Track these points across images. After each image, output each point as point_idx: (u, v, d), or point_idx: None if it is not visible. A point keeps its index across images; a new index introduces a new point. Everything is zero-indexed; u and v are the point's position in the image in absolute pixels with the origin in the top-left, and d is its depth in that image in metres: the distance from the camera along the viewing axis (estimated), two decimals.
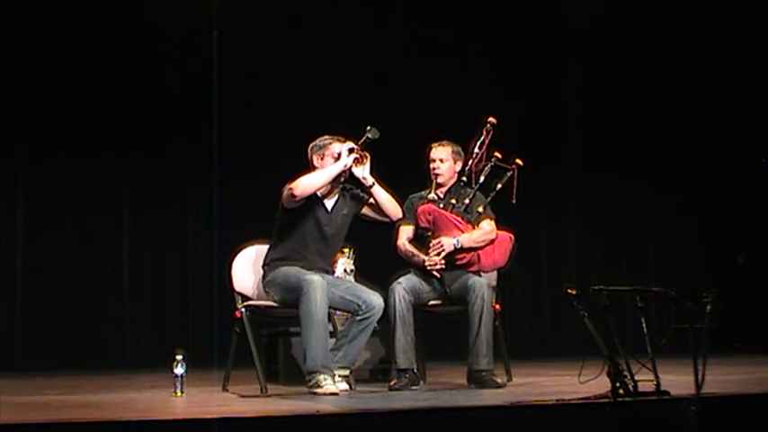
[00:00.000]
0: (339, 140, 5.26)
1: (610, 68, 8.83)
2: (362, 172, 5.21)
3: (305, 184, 5.12)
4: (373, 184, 5.24)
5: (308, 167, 5.25)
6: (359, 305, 5.15)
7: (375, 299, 5.17)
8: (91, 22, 7.75)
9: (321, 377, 4.91)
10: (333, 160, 5.21)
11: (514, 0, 8.53)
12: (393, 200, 5.32)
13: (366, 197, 5.32)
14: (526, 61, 8.68)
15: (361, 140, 5.21)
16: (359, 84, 8.15)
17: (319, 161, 5.26)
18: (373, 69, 8.23)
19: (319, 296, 4.96)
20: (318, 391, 4.87)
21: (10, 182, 7.88)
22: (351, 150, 5.18)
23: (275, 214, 5.30)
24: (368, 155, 5.21)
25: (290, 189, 5.11)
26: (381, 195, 5.27)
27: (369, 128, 5.24)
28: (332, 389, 4.88)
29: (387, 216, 5.33)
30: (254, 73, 8.05)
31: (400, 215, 5.36)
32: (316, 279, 5.02)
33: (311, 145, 5.31)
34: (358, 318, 5.15)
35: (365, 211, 5.37)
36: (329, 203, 5.30)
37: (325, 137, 5.30)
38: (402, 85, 8.26)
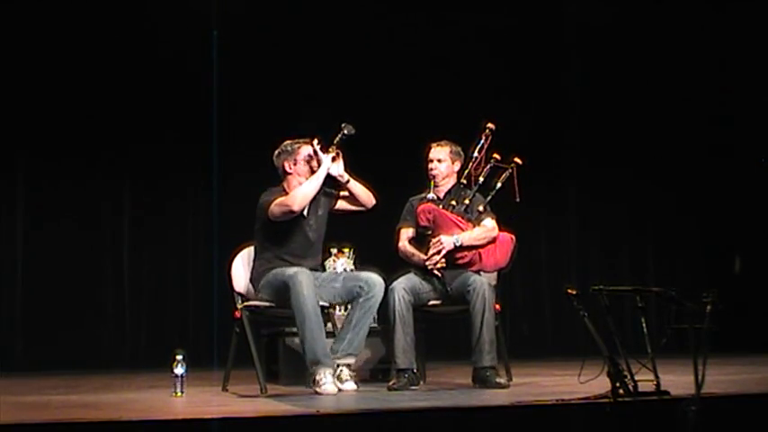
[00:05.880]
0: (306, 142, 5.24)
1: (611, 65, 8.82)
2: (338, 170, 5.21)
3: (301, 197, 5.11)
4: (349, 180, 5.24)
5: (280, 176, 5.25)
6: (360, 286, 5.17)
7: (375, 277, 5.20)
8: (91, 22, 7.75)
9: (321, 371, 4.90)
10: (305, 163, 5.21)
11: None
12: (367, 189, 5.31)
13: (336, 192, 5.31)
14: (526, 58, 8.67)
15: (338, 137, 5.19)
16: (360, 84, 8.14)
17: (292, 166, 5.25)
18: (374, 69, 8.22)
19: (305, 287, 4.94)
20: (317, 389, 4.87)
21: (10, 181, 7.87)
22: (325, 150, 5.15)
23: (254, 226, 5.29)
24: (340, 152, 5.19)
25: (286, 205, 5.09)
26: (357, 188, 5.28)
27: (344, 124, 5.22)
28: (331, 389, 4.87)
29: (362, 205, 5.32)
30: (254, 73, 8.05)
31: (374, 202, 5.35)
32: (299, 272, 5.00)
33: (277, 152, 5.29)
34: (361, 299, 5.16)
35: (339, 205, 5.36)
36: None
37: (288, 141, 5.28)
38: (403, 85, 8.26)
